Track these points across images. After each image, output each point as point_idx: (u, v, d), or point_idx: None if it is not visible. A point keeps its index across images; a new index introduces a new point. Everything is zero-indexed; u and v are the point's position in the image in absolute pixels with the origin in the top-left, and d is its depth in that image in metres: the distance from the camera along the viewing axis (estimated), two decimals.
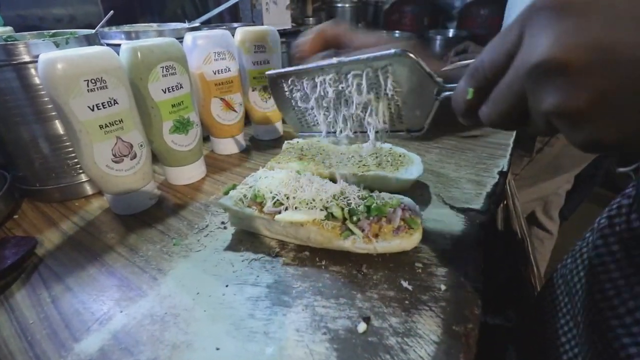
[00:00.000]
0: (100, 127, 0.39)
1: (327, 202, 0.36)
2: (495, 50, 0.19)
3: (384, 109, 0.30)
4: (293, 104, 0.36)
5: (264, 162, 0.56)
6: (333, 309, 0.29)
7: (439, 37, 1.55)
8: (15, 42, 0.40)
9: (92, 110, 0.37)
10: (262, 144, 0.66)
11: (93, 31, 0.48)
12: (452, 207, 0.42)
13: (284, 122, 0.69)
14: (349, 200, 0.36)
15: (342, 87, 0.31)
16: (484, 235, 0.38)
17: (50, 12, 0.91)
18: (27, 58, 0.40)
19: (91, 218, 0.45)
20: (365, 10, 1.89)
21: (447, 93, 0.26)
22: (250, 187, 0.39)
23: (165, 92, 0.45)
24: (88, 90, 0.37)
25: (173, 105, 0.46)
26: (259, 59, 0.59)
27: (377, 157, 0.48)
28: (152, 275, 0.34)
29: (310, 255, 0.36)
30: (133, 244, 0.39)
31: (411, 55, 0.26)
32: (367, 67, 0.28)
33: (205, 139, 0.62)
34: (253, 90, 0.62)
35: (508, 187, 0.69)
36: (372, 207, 0.35)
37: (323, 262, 0.35)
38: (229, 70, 0.55)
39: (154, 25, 0.66)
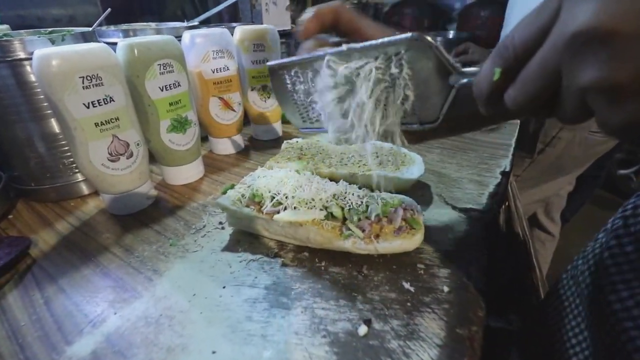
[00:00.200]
0: (96, 125, 0.38)
1: (327, 201, 0.35)
2: (528, 25, 0.18)
3: (396, 100, 0.28)
4: (295, 97, 0.34)
5: (263, 162, 0.56)
6: (333, 311, 0.29)
7: (439, 38, 1.55)
8: (10, 38, 0.39)
9: (88, 107, 0.37)
10: (261, 144, 0.65)
11: (90, 29, 0.48)
12: (454, 208, 0.42)
13: (283, 122, 0.68)
14: (349, 199, 0.35)
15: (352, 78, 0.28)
16: (487, 236, 0.37)
17: (50, 12, 0.91)
18: (22, 55, 0.40)
19: (87, 218, 0.44)
20: (365, 12, 1.90)
21: (465, 80, 0.24)
22: (249, 186, 0.38)
23: (162, 90, 0.44)
24: (83, 87, 0.36)
25: (170, 104, 0.45)
26: (258, 58, 0.59)
27: (377, 157, 0.47)
28: (148, 276, 0.34)
29: (310, 256, 0.35)
30: (129, 245, 0.38)
31: (429, 39, 0.24)
32: (379, 53, 0.26)
33: (204, 139, 0.61)
34: (252, 90, 0.61)
35: (510, 188, 0.68)
36: (373, 206, 0.34)
37: (323, 263, 0.34)
38: (228, 69, 0.54)
39: (152, 24, 0.65)
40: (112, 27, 0.59)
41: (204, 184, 0.51)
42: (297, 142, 0.54)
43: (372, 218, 0.34)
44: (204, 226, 0.41)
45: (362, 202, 0.35)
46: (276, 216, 0.34)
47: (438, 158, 0.54)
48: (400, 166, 0.44)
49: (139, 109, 0.43)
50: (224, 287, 0.32)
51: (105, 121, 0.38)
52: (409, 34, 0.24)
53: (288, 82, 0.33)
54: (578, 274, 0.36)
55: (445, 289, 0.30)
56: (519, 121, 0.67)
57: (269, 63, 0.33)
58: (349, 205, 0.35)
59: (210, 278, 0.33)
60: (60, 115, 0.36)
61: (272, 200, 0.35)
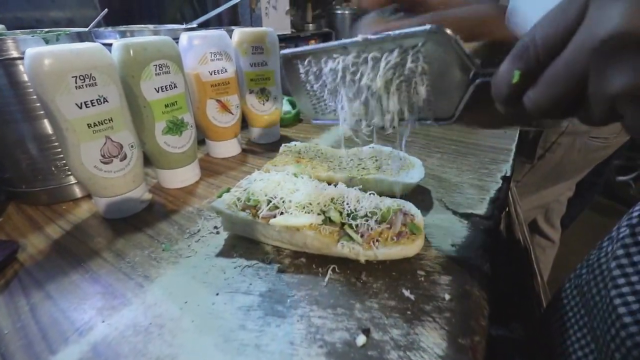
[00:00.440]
0: (89, 126, 0.37)
1: (325, 205, 0.34)
2: (551, 26, 0.17)
3: (411, 95, 0.27)
4: (308, 88, 0.33)
5: (260, 165, 0.55)
6: (330, 320, 0.28)
7: None
8: (3, 37, 0.39)
9: (80, 108, 0.36)
10: (259, 147, 0.64)
11: (86, 29, 0.47)
12: (455, 213, 0.41)
13: (281, 125, 0.68)
14: (348, 204, 0.34)
15: (363, 70, 0.28)
16: (489, 242, 0.36)
17: (48, 14, 0.90)
18: (15, 54, 0.39)
19: (78, 222, 0.43)
20: None
21: (483, 79, 0.23)
22: (245, 190, 0.37)
23: (158, 91, 0.43)
24: (76, 87, 0.35)
25: (166, 105, 0.44)
26: (256, 61, 0.58)
27: (376, 161, 0.46)
28: (138, 282, 0.32)
29: (307, 262, 0.34)
30: (120, 249, 0.37)
31: (448, 32, 0.23)
32: (396, 46, 0.25)
33: (201, 142, 0.60)
34: (250, 93, 0.61)
35: (510, 194, 0.68)
36: (372, 211, 0.33)
37: (320, 270, 0.33)
38: (226, 71, 0.54)
39: (150, 26, 0.65)
40: (109, 29, 0.58)
41: (199, 188, 0.50)
42: (295, 145, 0.53)
43: (372, 223, 0.33)
44: (199, 230, 0.39)
45: (361, 207, 0.34)
46: (272, 220, 0.33)
47: (438, 163, 0.53)
48: (400, 170, 0.44)
49: (134, 110, 0.43)
50: (217, 294, 0.30)
51: (98, 122, 0.38)
52: (427, 26, 0.23)
53: (302, 71, 0.32)
54: (583, 283, 0.35)
55: (447, 296, 0.29)
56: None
57: (282, 52, 0.32)
58: (348, 210, 0.34)
59: (203, 284, 0.32)
60: (52, 115, 0.35)
61: (268, 204, 0.34)
